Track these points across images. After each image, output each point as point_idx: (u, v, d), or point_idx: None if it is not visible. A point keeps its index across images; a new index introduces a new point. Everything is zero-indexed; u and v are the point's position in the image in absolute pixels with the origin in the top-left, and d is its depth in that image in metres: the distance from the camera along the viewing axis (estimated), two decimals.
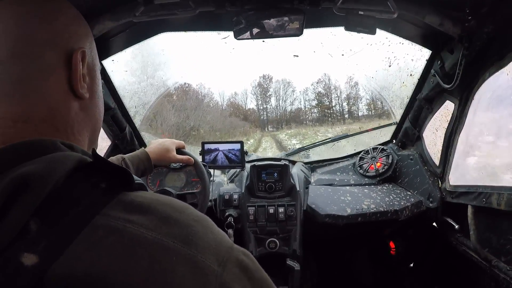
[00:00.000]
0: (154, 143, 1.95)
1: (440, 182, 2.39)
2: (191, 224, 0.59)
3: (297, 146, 3.38)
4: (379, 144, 3.08)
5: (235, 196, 2.54)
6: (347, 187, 2.72)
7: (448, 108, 2.19)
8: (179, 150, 1.99)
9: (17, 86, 0.64)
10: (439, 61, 2.04)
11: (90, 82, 0.77)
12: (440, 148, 2.31)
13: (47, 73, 0.67)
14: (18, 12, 0.67)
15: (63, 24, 0.72)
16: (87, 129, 0.78)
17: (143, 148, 1.91)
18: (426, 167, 2.54)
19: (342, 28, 1.73)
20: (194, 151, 2.26)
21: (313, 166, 3.21)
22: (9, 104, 0.63)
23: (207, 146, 2.60)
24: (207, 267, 0.55)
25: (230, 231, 2.32)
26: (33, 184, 0.50)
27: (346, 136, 3.35)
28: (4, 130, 0.60)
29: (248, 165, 2.67)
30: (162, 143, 1.93)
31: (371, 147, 3.05)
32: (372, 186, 2.74)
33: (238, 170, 2.87)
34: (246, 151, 2.65)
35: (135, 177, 0.65)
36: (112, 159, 1.72)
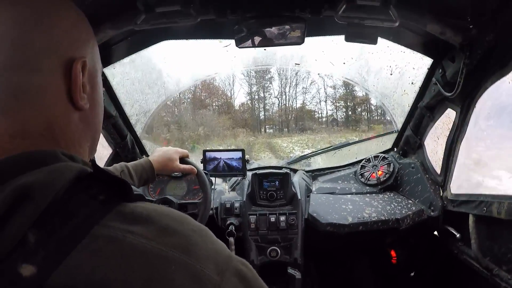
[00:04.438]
0: (158, 151, 1.93)
1: (441, 191, 2.38)
2: (190, 234, 0.59)
3: None
4: (381, 152, 3.08)
5: (237, 205, 2.54)
6: (349, 196, 2.72)
7: (449, 116, 2.19)
8: (183, 160, 1.98)
9: (12, 99, 0.62)
10: (440, 70, 2.04)
11: (90, 91, 0.75)
12: (442, 156, 2.31)
13: (45, 85, 0.64)
14: (14, 16, 0.63)
15: (63, 30, 0.69)
16: (87, 139, 0.78)
17: (146, 157, 1.89)
18: (427, 176, 2.53)
19: (343, 36, 1.74)
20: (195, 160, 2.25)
21: (315, 174, 3.20)
22: (5, 118, 0.61)
23: (208, 154, 2.60)
24: (206, 276, 0.55)
25: (231, 239, 2.31)
26: (33, 195, 0.50)
27: (347, 144, 3.36)
28: (2, 144, 0.59)
29: (249, 173, 2.67)
30: (166, 152, 1.91)
31: (372, 155, 3.05)
32: (374, 195, 2.74)
33: (239, 178, 2.87)
34: (248, 159, 2.65)
35: (134, 188, 0.65)
36: (116, 166, 1.70)
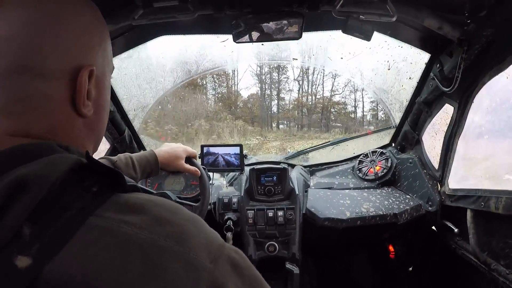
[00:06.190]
0: (166, 146, 1.85)
1: (439, 186, 2.39)
2: (183, 224, 0.61)
3: None
4: (378, 148, 3.08)
5: (234, 200, 2.54)
6: (346, 191, 2.72)
7: (447, 111, 2.19)
8: (189, 160, 1.93)
9: (16, 101, 0.62)
10: (438, 65, 2.03)
11: (96, 96, 0.74)
12: (439, 151, 2.31)
13: (49, 91, 0.64)
14: (24, 17, 0.62)
15: (74, 35, 0.68)
16: (90, 142, 0.78)
17: (152, 149, 1.86)
18: (425, 171, 2.53)
19: (341, 31, 1.74)
20: None
21: (312, 169, 3.21)
22: (7, 119, 0.61)
23: (206, 149, 2.60)
24: (199, 264, 0.56)
25: (229, 234, 2.31)
26: (29, 186, 0.50)
27: (345, 140, 3.35)
28: (1, 142, 0.58)
29: (247, 169, 2.67)
30: (174, 149, 1.84)
31: (370, 151, 3.05)
32: (371, 190, 2.74)
33: (237, 173, 2.87)
34: (245, 154, 2.64)
35: (127, 178, 0.65)
36: (120, 157, 1.67)
